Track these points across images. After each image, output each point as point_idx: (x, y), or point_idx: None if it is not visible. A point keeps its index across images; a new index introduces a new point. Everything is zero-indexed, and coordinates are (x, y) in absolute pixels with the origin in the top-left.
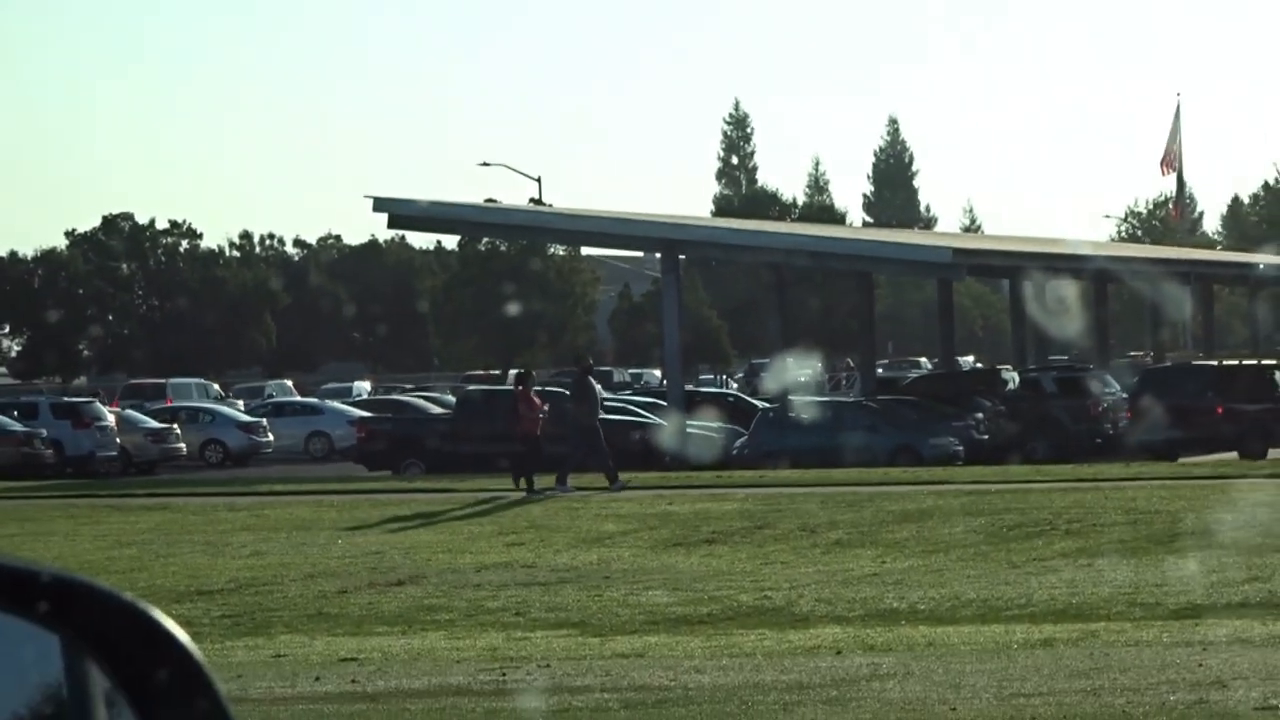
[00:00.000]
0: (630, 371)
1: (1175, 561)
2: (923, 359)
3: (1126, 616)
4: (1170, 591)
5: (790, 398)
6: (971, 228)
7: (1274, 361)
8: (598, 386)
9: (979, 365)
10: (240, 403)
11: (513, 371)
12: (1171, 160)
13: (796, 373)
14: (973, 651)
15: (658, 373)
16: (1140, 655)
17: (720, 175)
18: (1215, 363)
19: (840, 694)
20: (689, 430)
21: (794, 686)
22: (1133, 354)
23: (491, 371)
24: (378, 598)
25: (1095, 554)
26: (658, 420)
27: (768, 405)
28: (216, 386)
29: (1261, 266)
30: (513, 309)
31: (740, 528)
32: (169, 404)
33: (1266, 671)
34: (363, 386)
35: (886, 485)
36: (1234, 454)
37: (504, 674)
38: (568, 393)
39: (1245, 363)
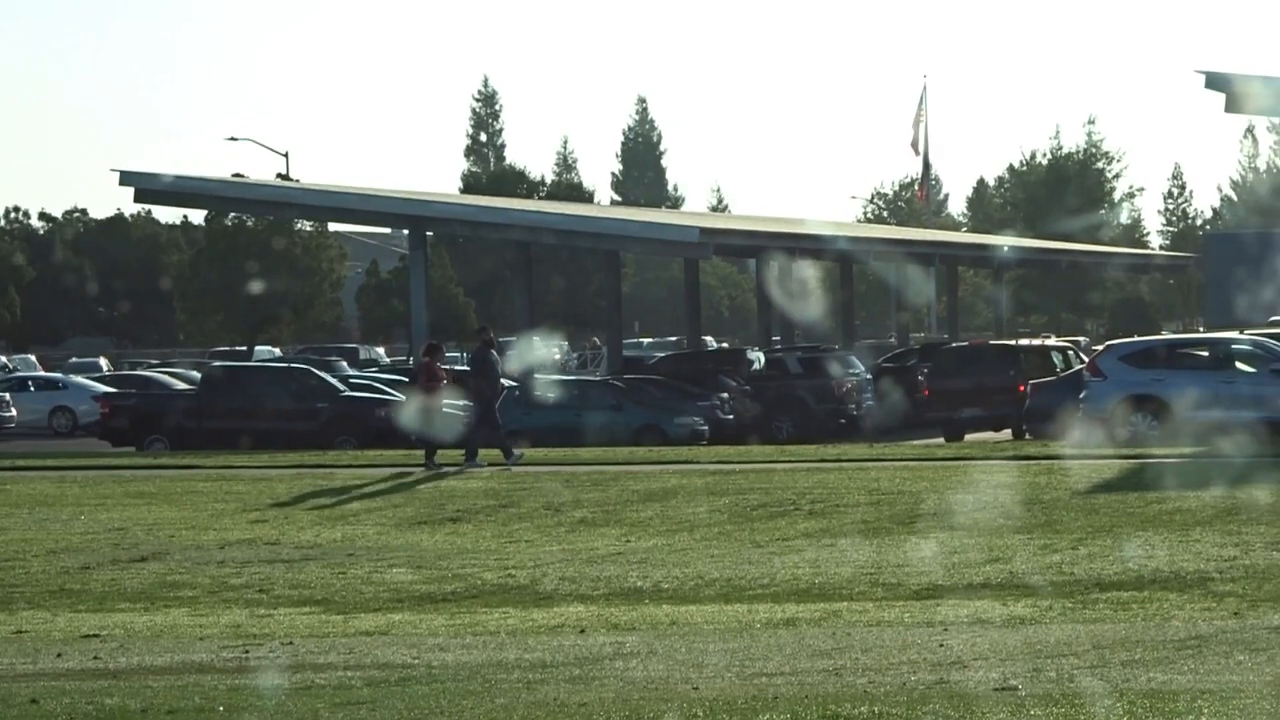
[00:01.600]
0: (376, 349)
1: (917, 542)
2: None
3: (868, 597)
4: (912, 572)
5: (535, 376)
6: (719, 208)
7: (1059, 342)
8: (498, 359)
9: (724, 345)
10: None
11: (262, 348)
12: (918, 142)
13: (542, 351)
14: (716, 631)
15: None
16: (882, 635)
17: (469, 152)
18: (1013, 342)
19: (583, 672)
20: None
21: (537, 665)
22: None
23: (236, 348)
24: (120, 574)
25: (838, 534)
26: (402, 397)
27: (513, 384)
28: None
29: (1005, 249)
30: (258, 285)
31: (485, 506)
32: None
33: (1005, 652)
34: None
35: (631, 465)
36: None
37: (247, 651)
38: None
39: (1035, 342)
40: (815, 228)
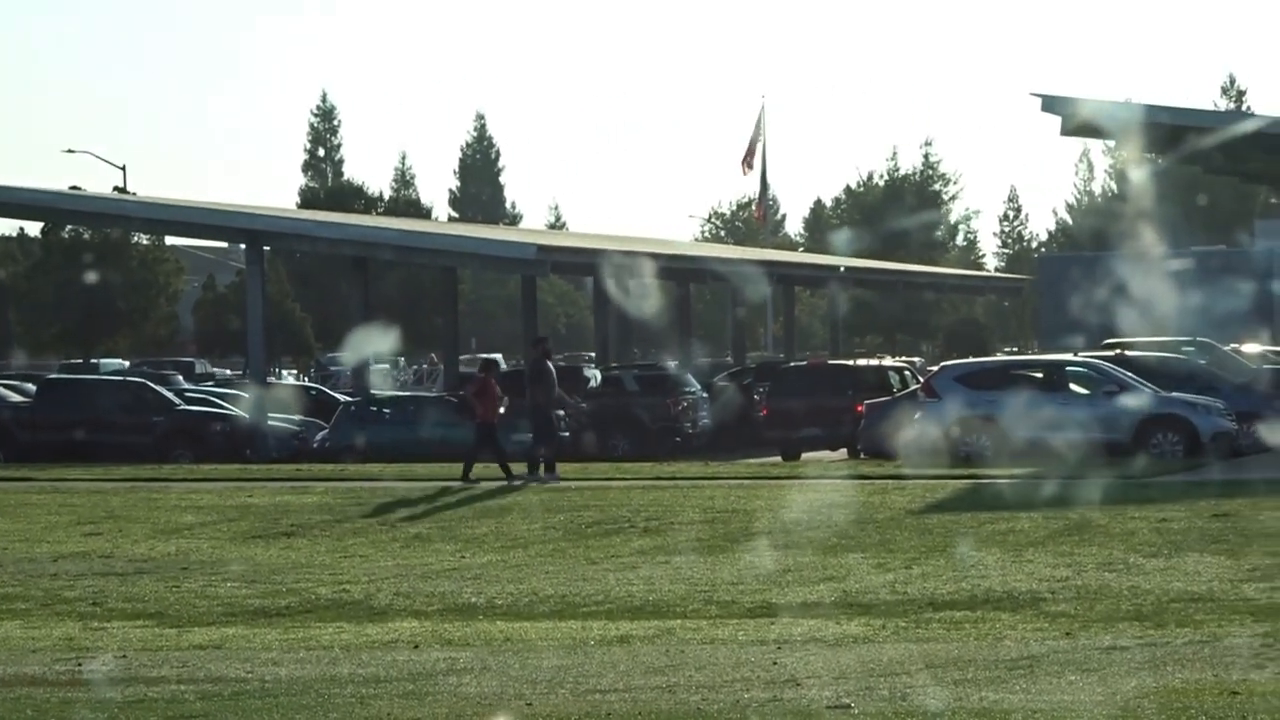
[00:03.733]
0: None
1: (751, 560)
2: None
3: (703, 614)
4: (746, 590)
5: (372, 391)
6: (556, 225)
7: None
8: (553, 369)
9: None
10: None
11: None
12: (752, 159)
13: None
14: (550, 647)
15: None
16: (716, 653)
17: (307, 167)
18: (850, 362)
19: (417, 688)
20: (269, 422)
21: (371, 680)
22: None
23: (87, 360)
24: None
25: (672, 552)
26: (239, 412)
27: (349, 399)
28: None
29: (842, 269)
30: (94, 298)
31: (320, 521)
32: None
33: (839, 670)
34: None
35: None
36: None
37: (80, 664)
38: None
39: (871, 362)
40: (652, 246)
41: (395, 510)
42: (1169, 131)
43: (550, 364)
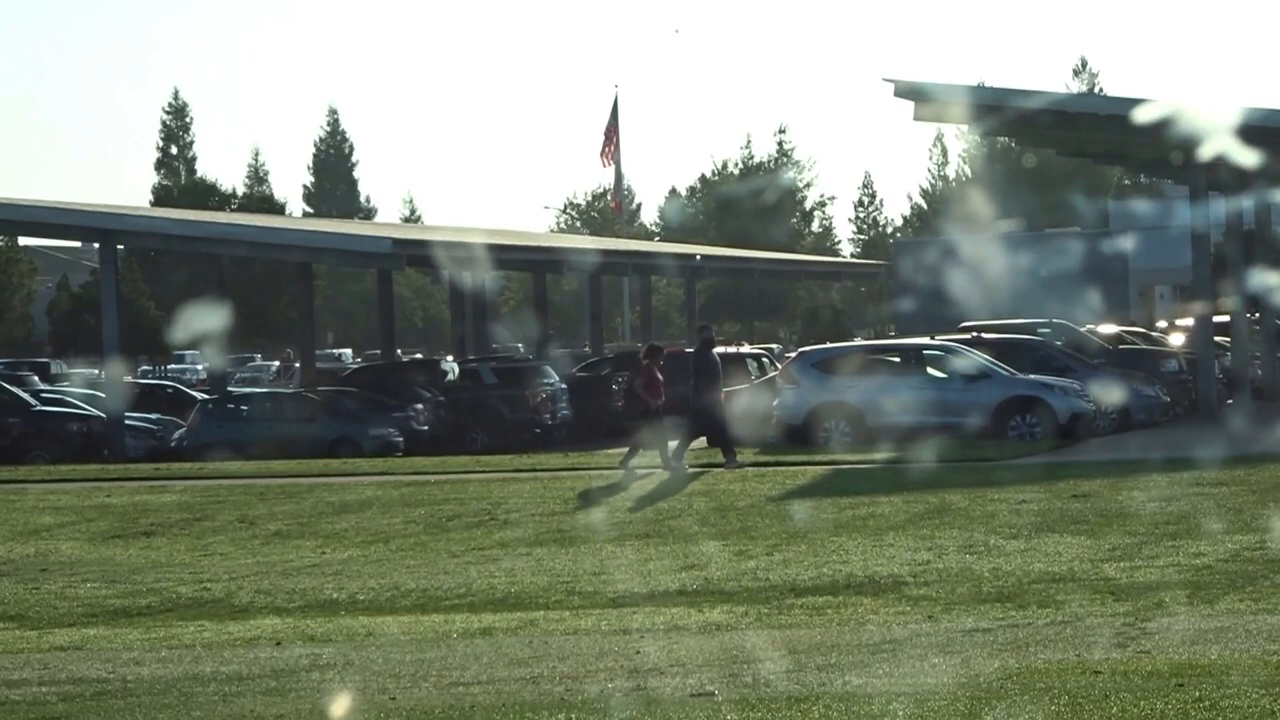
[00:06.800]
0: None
1: (613, 550)
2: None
3: (565, 605)
4: (608, 580)
5: (229, 388)
6: (412, 219)
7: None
8: (718, 359)
9: (417, 355)
10: None
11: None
12: (610, 152)
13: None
14: (412, 641)
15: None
16: (579, 643)
17: (159, 165)
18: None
19: (280, 685)
20: (127, 422)
21: (234, 678)
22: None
23: None
24: None
25: (534, 544)
26: (96, 412)
27: (206, 397)
28: None
29: (698, 257)
30: None
31: (179, 519)
32: None
33: (702, 658)
34: None
35: (326, 476)
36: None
37: None
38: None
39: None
40: (508, 238)
41: (255, 507)
42: (1017, 114)
43: (715, 354)
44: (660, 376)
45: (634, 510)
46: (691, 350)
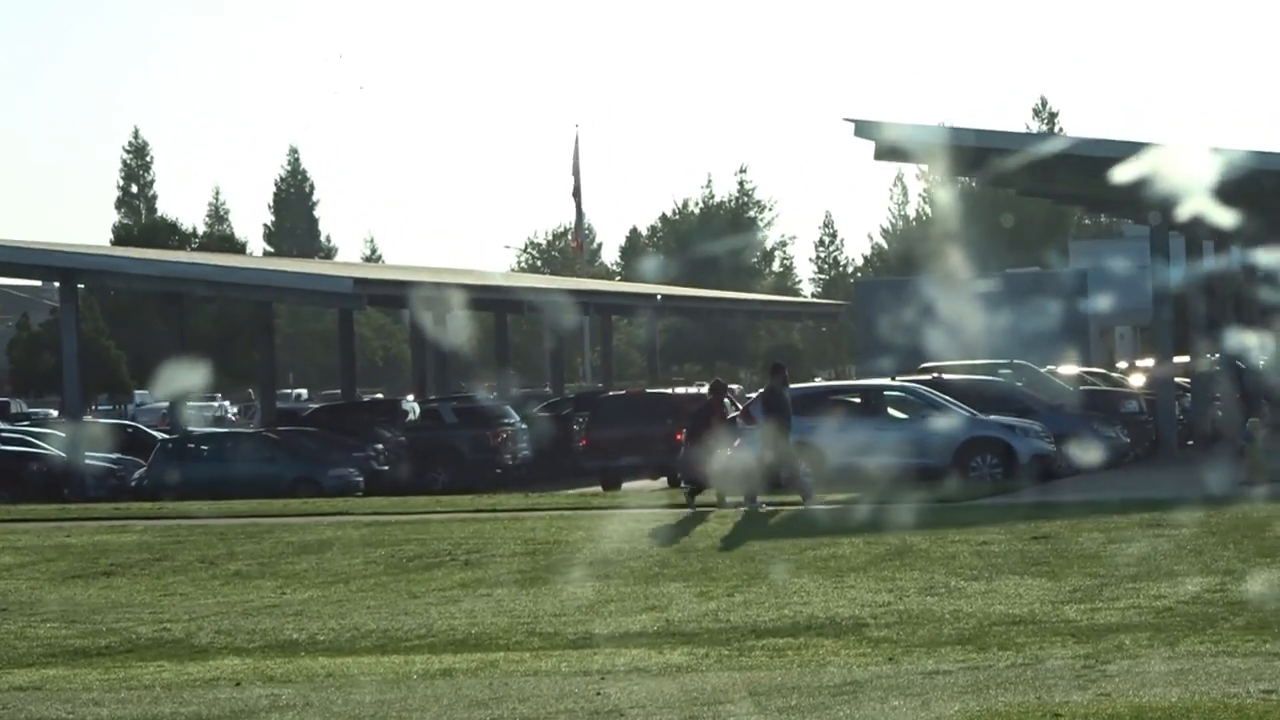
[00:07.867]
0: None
1: (573, 591)
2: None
3: (526, 646)
4: (568, 621)
5: (190, 428)
6: (373, 258)
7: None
8: (789, 396)
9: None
10: None
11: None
12: (576, 191)
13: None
14: (373, 682)
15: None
16: (539, 684)
17: (120, 204)
18: (669, 390)
19: None
20: (87, 461)
21: (193, 718)
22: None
23: None
24: None
25: (495, 584)
26: (55, 451)
27: (167, 436)
28: None
29: (658, 297)
30: None
31: (139, 559)
32: None
33: (662, 700)
34: None
35: (287, 517)
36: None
37: None
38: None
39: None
40: (468, 277)
41: (215, 547)
42: (977, 154)
43: (787, 391)
44: (726, 414)
45: (595, 551)
46: (763, 390)
